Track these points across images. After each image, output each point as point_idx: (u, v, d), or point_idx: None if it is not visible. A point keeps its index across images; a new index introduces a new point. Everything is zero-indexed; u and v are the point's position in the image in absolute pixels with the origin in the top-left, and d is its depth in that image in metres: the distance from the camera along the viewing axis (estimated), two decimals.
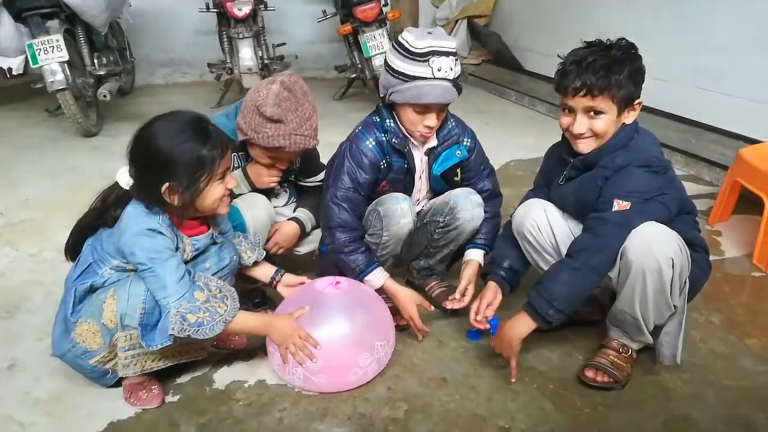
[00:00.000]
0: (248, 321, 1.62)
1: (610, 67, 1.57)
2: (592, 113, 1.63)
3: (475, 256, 2.00)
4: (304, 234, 2.09)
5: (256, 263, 1.83)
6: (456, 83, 1.77)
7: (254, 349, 1.85)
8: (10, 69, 3.94)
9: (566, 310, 1.61)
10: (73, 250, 1.65)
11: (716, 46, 3.56)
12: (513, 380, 1.70)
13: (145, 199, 1.52)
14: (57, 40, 3.74)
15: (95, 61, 4.31)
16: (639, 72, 1.62)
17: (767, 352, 1.87)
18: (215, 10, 4.75)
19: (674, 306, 1.62)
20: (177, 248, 1.54)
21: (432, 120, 1.80)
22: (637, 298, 1.59)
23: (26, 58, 3.86)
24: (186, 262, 1.56)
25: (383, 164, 1.87)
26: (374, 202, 1.89)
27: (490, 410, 1.62)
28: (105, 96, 4.10)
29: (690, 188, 3.22)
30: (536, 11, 5.56)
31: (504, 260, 1.86)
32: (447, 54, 1.72)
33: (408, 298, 1.86)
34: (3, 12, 3.69)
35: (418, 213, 1.97)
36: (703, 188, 3.32)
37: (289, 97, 1.80)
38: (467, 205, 1.92)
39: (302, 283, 1.83)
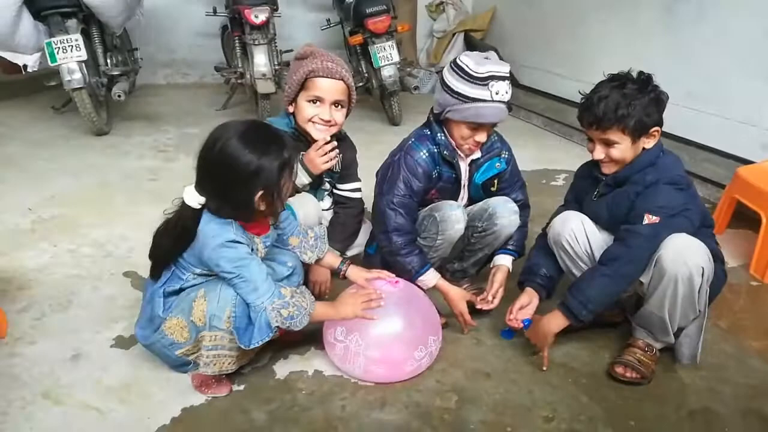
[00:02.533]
0: (324, 310, 1.76)
1: (619, 103, 1.75)
2: (607, 143, 1.82)
3: (504, 261, 2.16)
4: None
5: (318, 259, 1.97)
6: (509, 104, 1.93)
7: (307, 343, 1.97)
8: (25, 66, 3.97)
9: (597, 311, 1.82)
10: (157, 272, 1.70)
11: (708, 69, 3.81)
12: (544, 368, 1.89)
13: (225, 212, 1.60)
14: (76, 40, 3.80)
15: (108, 60, 4.37)
16: (653, 103, 1.78)
17: None
18: (224, 14, 4.85)
19: (699, 310, 1.80)
20: (252, 250, 1.66)
21: (483, 136, 1.97)
22: (667, 302, 1.77)
23: (42, 56, 3.92)
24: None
25: (435, 174, 2.02)
26: (429, 207, 2.04)
27: (533, 401, 1.78)
28: (119, 96, 4.17)
29: None
30: (531, 28, 5.78)
31: (540, 268, 2.03)
32: (504, 78, 1.89)
33: (459, 295, 2.02)
34: (23, 10, 3.72)
35: None
36: None
37: (315, 47, 2.12)
38: (505, 212, 2.08)
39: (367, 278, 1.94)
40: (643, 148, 1.84)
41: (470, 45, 6.51)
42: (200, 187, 1.59)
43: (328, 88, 2.06)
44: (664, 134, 4.03)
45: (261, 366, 1.88)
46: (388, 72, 4.50)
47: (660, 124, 1.83)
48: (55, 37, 3.78)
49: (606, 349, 2.04)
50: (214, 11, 4.96)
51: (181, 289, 1.67)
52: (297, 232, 1.95)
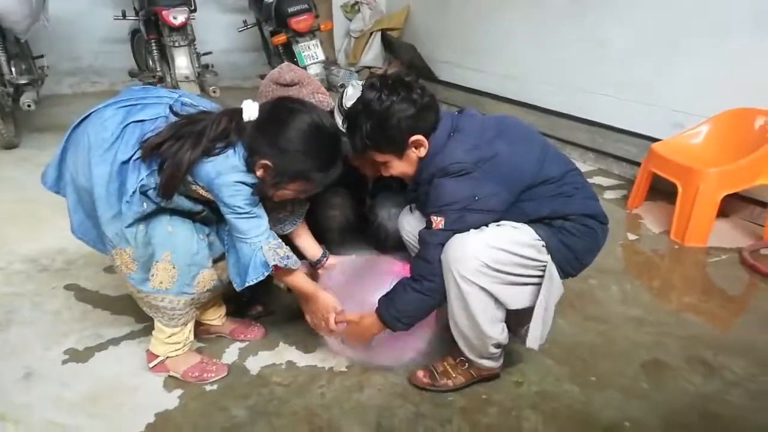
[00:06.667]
0: (306, 280, 1.75)
1: (353, 130, 1.61)
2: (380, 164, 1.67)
3: None
4: None
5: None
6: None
7: (274, 338, 1.96)
8: None
9: (413, 323, 1.66)
10: (171, 190, 1.53)
11: (617, 55, 4.08)
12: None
13: (248, 148, 1.54)
14: None
15: (13, 69, 4.07)
16: (381, 125, 1.55)
17: (701, 307, 2.28)
18: (136, 18, 4.66)
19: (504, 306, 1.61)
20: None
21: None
22: (457, 314, 1.61)
23: None
24: None
25: None
26: None
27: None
28: (29, 105, 3.88)
29: (602, 181, 3.73)
30: (444, 24, 5.94)
31: None
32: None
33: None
34: None
35: None
36: (614, 181, 3.81)
37: (298, 67, 1.95)
38: None
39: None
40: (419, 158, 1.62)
41: (388, 44, 6.63)
42: (260, 110, 1.56)
43: None
44: (579, 119, 4.37)
45: (231, 364, 1.84)
46: (314, 71, 4.50)
47: (415, 131, 1.57)
48: None
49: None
50: (123, 15, 4.76)
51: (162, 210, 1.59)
52: None
